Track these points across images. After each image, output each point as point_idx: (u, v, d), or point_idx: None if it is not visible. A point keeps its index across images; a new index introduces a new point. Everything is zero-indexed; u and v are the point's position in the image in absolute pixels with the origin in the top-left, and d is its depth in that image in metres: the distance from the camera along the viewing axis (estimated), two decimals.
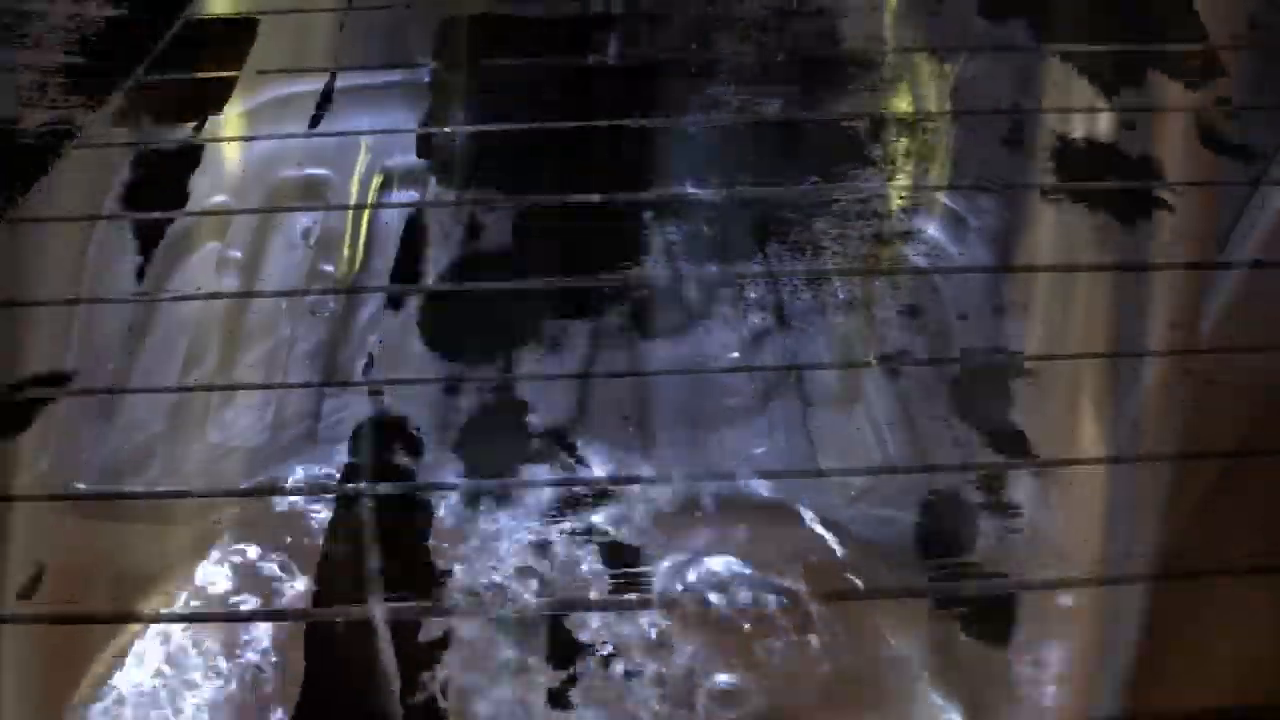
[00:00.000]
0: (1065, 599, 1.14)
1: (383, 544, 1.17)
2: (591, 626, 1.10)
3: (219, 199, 1.48)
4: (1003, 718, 1.08)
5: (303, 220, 1.46)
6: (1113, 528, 1.18)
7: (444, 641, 1.09)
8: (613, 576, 1.13)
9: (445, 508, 1.19)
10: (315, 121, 1.56)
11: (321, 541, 1.17)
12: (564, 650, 1.08)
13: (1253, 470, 1.22)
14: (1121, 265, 1.40)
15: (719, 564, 1.14)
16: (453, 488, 1.21)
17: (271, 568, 1.16)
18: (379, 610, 1.12)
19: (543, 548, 1.16)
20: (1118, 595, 1.14)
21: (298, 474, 1.23)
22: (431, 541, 1.17)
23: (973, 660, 1.10)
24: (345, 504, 1.20)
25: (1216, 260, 1.40)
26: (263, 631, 1.12)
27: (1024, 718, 1.08)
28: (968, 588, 1.14)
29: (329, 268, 1.41)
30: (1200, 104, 1.55)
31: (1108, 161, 1.49)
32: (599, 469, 1.22)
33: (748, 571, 1.13)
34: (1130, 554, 1.16)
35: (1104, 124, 1.54)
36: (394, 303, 1.37)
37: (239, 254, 1.42)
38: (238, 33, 1.69)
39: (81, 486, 1.23)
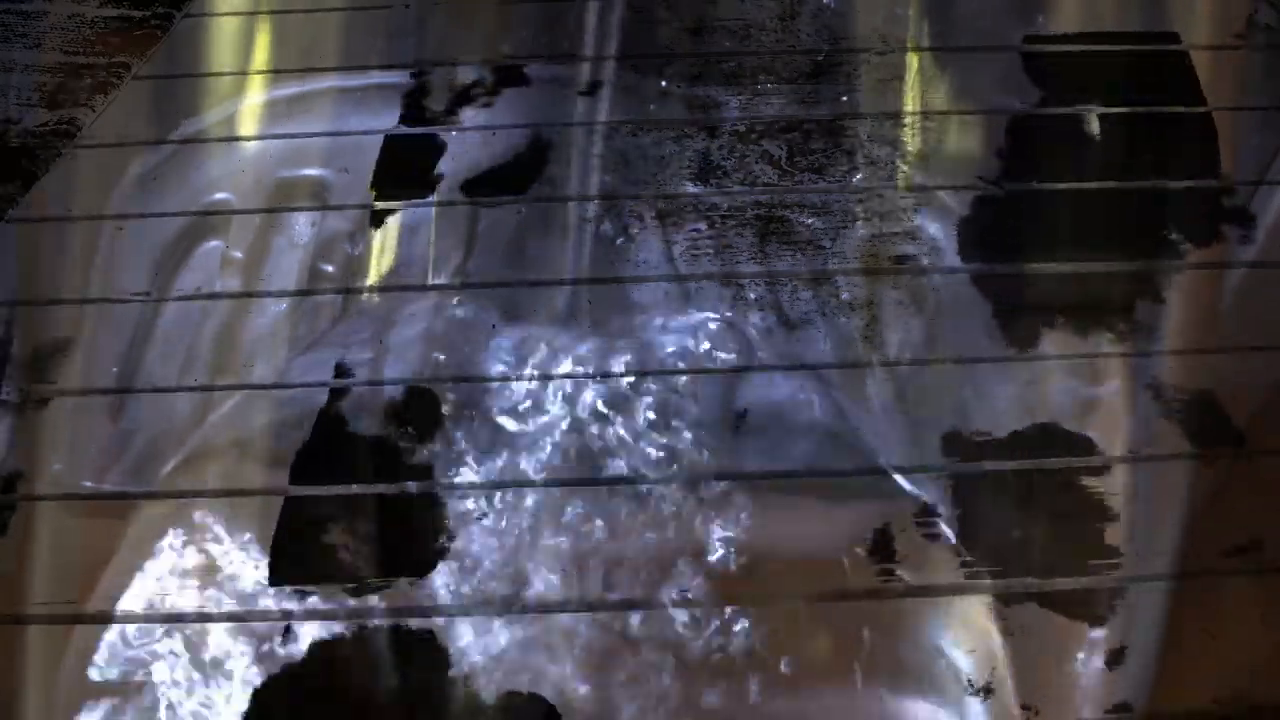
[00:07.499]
0: (1065, 598, 1.14)
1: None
2: None
3: (221, 197, 1.48)
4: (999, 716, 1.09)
5: (303, 220, 1.46)
6: (1114, 527, 1.19)
7: None
8: None
9: (452, 506, 1.20)
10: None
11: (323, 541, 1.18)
12: None
13: (1252, 470, 1.23)
14: (1122, 264, 1.40)
15: None
16: (459, 488, 1.21)
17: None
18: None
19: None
20: (1118, 594, 1.14)
21: (299, 474, 1.23)
22: (441, 540, 1.18)
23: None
24: (348, 505, 1.21)
25: (1216, 260, 1.40)
26: (261, 630, 1.12)
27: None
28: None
29: (329, 267, 1.41)
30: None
31: (1108, 161, 1.49)
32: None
33: None
34: (1132, 553, 1.16)
35: (1104, 123, 1.54)
36: (395, 302, 1.37)
37: (240, 254, 1.42)
38: (237, 32, 1.69)
39: (89, 485, 1.23)
